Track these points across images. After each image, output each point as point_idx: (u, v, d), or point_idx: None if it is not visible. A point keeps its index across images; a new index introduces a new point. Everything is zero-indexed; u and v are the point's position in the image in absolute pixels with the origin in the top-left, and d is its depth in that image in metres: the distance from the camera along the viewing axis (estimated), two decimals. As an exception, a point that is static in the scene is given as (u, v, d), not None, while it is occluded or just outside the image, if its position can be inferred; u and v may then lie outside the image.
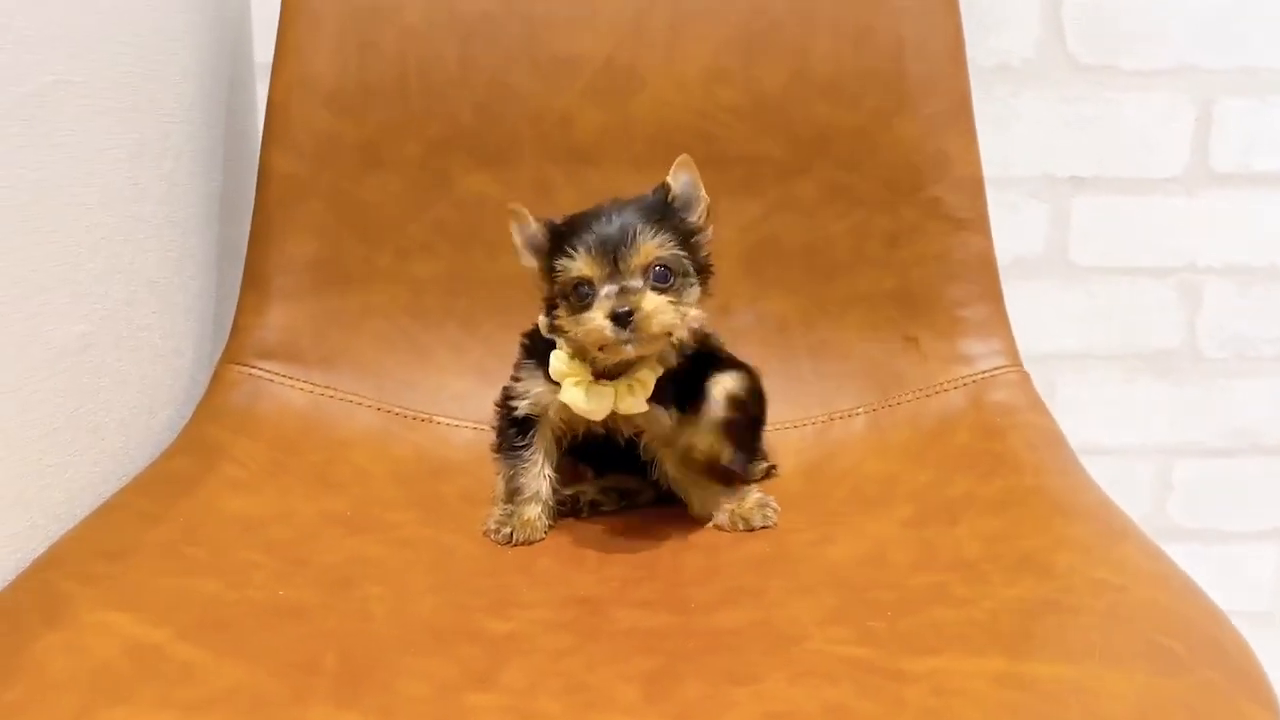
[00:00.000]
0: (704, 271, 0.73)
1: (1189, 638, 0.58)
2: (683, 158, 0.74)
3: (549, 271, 0.72)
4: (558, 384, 0.73)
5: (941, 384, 0.90)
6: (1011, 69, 1.09)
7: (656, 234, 0.70)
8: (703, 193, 0.74)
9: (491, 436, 0.80)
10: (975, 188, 0.93)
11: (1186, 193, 1.12)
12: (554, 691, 0.55)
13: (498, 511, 0.76)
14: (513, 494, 0.76)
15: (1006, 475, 0.79)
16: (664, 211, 0.72)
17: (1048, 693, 0.55)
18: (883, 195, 0.93)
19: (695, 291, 0.72)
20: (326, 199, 0.92)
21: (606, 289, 0.69)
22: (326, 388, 0.90)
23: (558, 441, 0.78)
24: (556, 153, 0.94)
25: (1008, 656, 0.58)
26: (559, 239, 0.72)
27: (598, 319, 0.69)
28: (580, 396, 0.73)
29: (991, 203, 0.94)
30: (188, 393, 0.88)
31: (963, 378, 0.90)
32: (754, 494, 0.78)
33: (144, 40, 0.82)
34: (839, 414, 0.91)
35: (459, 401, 0.92)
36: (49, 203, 0.69)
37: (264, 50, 1.00)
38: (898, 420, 0.89)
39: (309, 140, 0.92)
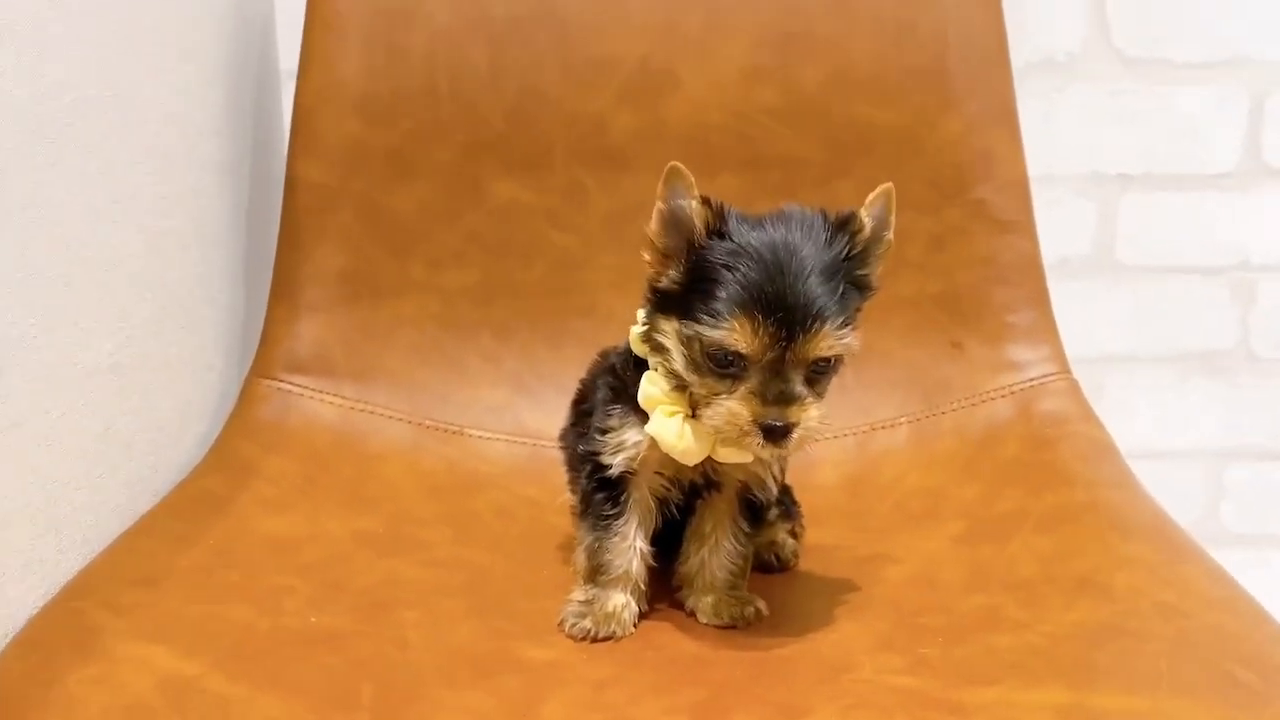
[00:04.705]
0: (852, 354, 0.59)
1: (1263, 667, 0.55)
2: (885, 186, 0.60)
3: (687, 266, 0.58)
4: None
5: (988, 392, 0.87)
6: (1056, 64, 1.06)
7: (838, 317, 0.57)
8: (889, 233, 0.60)
9: (571, 497, 0.70)
10: (1021, 189, 0.90)
11: (1239, 188, 1.09)
12: (597, 726, 0.54)
13: (578, 596, 0.64)
14: (595, 572, 0.64)
15: (1059, 489, 0.76)
16: (846, 270, 0.58)
17: (1115, 727, 0.52)
18: (926, 197, 0.90)
19: (831, 381, 0.59)
20: (355, 208, 0.90)
21: (760, 380, 0.57)
22: (357, 401, 0.88)
23: (659, 503, 0.65)
24: (589, 157, 0.92)
25: (1071, 687, 0.55)
26: (711, 259, 0.57)
27: (743, 418, 0.56)
28: (673, 431, 0.60)
29: (1037, 201, 0.91)
30: (218, 408, 0.87)
31: (1010, 386, 0.87)
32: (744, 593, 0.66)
33: (168, 52, 0.80)
34: (881, 424, 0.88)
35: (493, 413, 0.90)
36: (80, 220, 0.68)
37: (288, 57, 0.98)
38: (943, 430, 0.87)
39: (337, 148, 0.90)
